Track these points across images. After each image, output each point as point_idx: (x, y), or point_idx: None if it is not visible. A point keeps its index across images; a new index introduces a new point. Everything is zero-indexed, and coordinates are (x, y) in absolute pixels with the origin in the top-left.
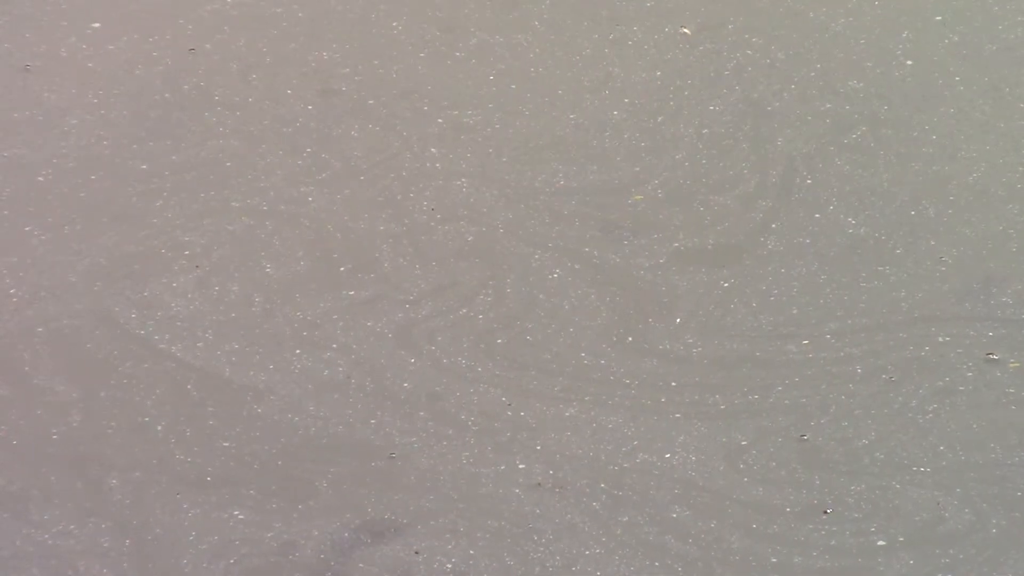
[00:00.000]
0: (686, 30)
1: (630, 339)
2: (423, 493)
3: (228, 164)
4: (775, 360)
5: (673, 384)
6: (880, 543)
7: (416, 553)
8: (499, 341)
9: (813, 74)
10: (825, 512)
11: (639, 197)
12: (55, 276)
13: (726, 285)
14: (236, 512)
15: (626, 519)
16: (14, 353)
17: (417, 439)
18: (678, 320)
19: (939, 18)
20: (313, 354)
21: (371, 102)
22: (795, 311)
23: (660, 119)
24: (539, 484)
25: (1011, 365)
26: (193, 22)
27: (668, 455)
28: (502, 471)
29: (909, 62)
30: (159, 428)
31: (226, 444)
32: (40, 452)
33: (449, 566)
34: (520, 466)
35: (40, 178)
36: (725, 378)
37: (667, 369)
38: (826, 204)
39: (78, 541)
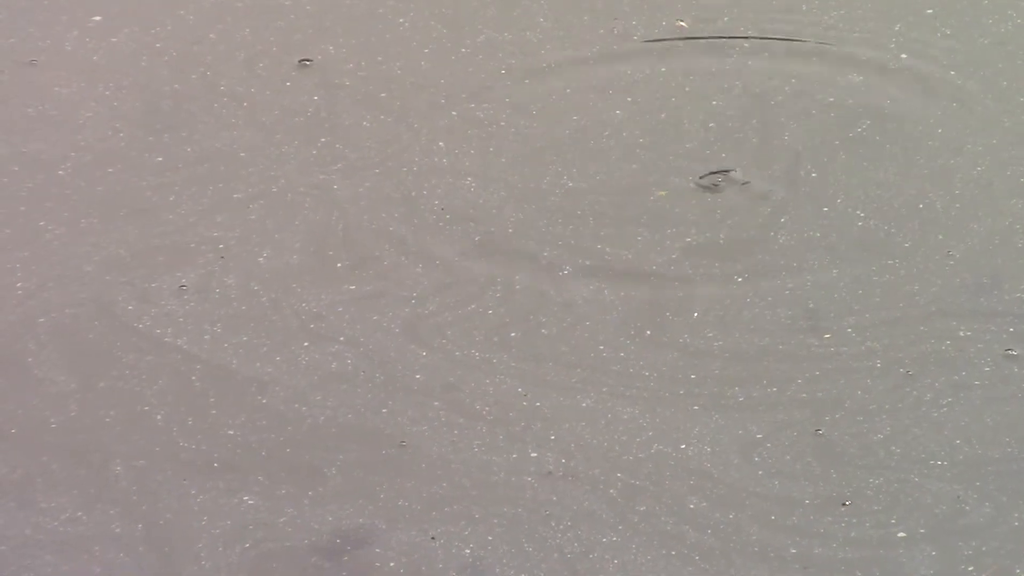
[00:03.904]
0: (682, 23)
1: (648, 333)
2: (435, 480)
3: (242, 155)
4: (797, 354)
5: (692, 377)
6: (901, 535)
7: (432, 539)
8: (513, 335)
9: (812, 69)
10: (844, 504)
11: (663, 193)
12: (66, 270)
13: (740, 280)
14: (246, 498)
15: (643, 508)
16: (16, 345)
17: (428, 428)
18: (695, 314)
19: (930, 11)
20: (321, 347)
21: (383, 95)
22: (811, 305)
23: (663, 116)
24: (550, 472)
25: None
26: (194, 13)
27: (683, 446)
28: (514, 459)
29: (904, 56)
30: (159, 417)
31: (231, 432)
32: (39, 441)
33: (467, 551)
34: (532, 455)
35: (61, 172)
36: (745, 371)
37: (687, 362)
38: (834, 198)
39: (88, 527)
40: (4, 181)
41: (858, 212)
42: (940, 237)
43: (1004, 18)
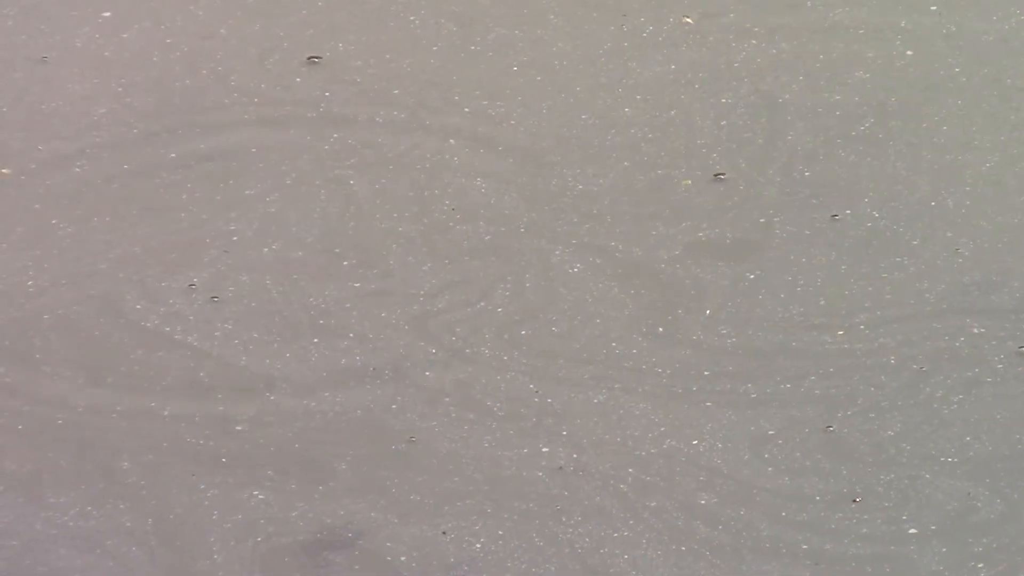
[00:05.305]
0: (688, 20)
1: (661, 329)
2: (446, 475)
3: (253, 151)
4: (810, 350)
5: (706, 373)
6: (912, 531)
7: (444, 533)
8: (523, 332)
9: (818, 65)
10: (855, 501)
11: (687, 182)
12: (79, 267)
13: (752, 276)
14: (256, 492)
15: (654, 504)
16: (24, 341)
17: (438, 423)
18: (708, 311)
19: (934, 8)
20: (330, 343)
21: (396, 92)
22: (823, 302)
23: (673, 113)
24: (561, 468)
25: None
26: (203, 8)
27: (695, 442)
28: (525, 455)
29: (909, 52)
30: (166, 413)
31: (239, 428)
32: (46, 436)
33: (478, 546)
34: (543, 450)
35: (76, 169)
36: (759, 367)
37: (700, 358)
38: (841, 195)
39: (99, 522)
40: (21, 179)
41: (865, 210)
42: (949, 235)
43: (1008, 15)
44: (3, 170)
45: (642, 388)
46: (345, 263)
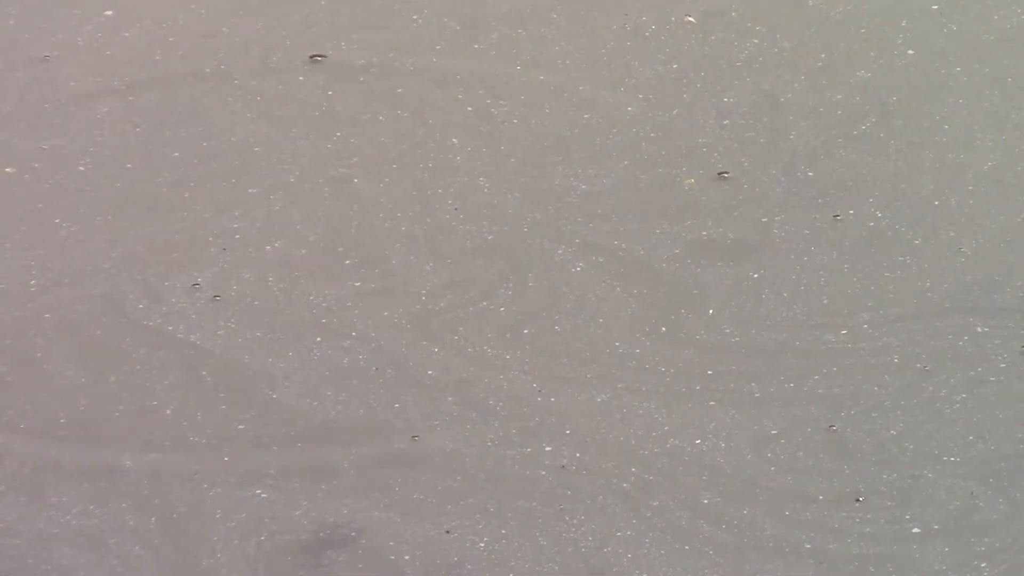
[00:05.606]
0: (690, 19)
1: (664, 329)
2: (449, 474)
3: (257, 149)
4: (813, 350)
5: (709, 372)
6: (915, 531)
7: (447, 532)
8: (526, 331)
9: (820, 64)
10: (857, 500)
11: (690, 181)
12: (83, 267)
13: (755, 276)
14: (259, 491)
15: (657, 503)
16: (27, 340)
17: (440, 423)
18: (711, 311)
19: (935, 7)
20: (332, 342)
21: (400, 90)
22: (826, 301)
23: (675, 112)
24: (564, 467)
25: None
26: (205, 6)
27: (698, 441)
28: (528, 453)
29: (911, 52)
30: (168, 412)
31: (241, 427)
32: (49, 435)
33: (482, 545)
34: (546, 449)
35: (80, 168)
36: (762, 367)
37: (703, 358)
38: (842, 194)
39: (102, 520)
40: (24, 178)
41: (868, 209)
42: (951, 234)
43: (1009, 14)
44: (6, 169)
45: (645, 387)
46: (348, 262)
